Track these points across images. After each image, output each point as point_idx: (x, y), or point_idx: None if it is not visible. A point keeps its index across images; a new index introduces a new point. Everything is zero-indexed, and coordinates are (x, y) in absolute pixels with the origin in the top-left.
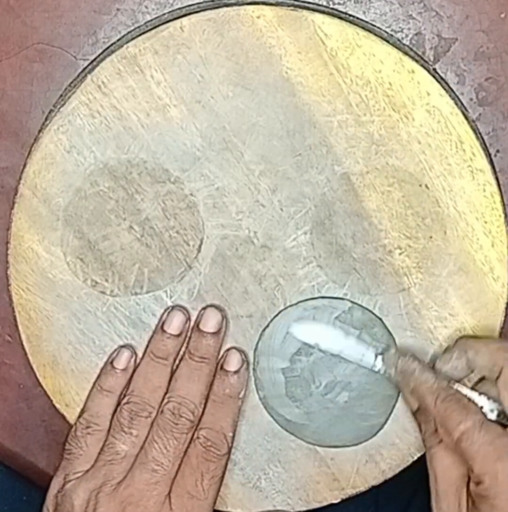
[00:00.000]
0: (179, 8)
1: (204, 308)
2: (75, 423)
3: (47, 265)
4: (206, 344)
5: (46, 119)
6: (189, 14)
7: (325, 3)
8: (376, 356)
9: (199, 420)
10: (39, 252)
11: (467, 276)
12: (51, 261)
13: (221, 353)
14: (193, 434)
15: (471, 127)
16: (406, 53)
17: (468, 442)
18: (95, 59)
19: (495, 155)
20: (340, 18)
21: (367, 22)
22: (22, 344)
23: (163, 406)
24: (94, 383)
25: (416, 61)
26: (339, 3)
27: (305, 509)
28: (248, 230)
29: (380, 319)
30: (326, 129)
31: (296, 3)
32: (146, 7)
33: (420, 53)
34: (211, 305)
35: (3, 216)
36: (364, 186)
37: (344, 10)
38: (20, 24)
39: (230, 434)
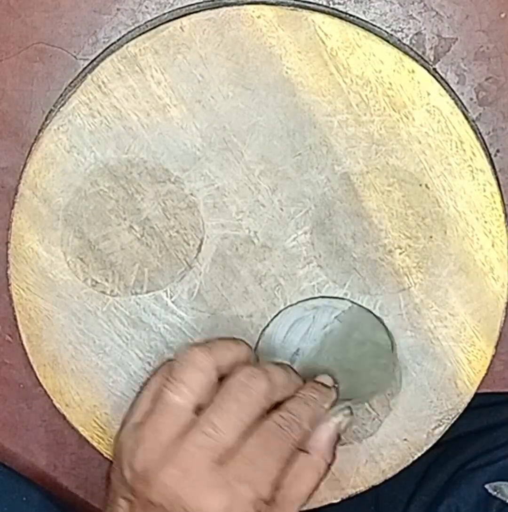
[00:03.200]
0: (179, 8)
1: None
2: None
3: (47, 265)
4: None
5: (46, 119)
6: (189, 14)
7: (325, 3)
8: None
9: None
10: (39, 252)
11: (467, 276)
12: (51, 261)
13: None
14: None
15: (471, 127)
16: (406, 53)
17: None
18: (95, 59)
19: (495, 155)
20: (340, 18)
21: (367, 22)
22: (22, 344)
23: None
24: None
25: (416, 61)
26: (339, 3)
27: (305, 509)
28: (249, 230)
29: (380, 319)
30: (326, 129)
31: (296, 3)
32: (146, 7)
33: (420, 53)
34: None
35: (3, 216)
36: (364, 186)
37: (344, 10)
38: (20, 24)
39: (306, 428)
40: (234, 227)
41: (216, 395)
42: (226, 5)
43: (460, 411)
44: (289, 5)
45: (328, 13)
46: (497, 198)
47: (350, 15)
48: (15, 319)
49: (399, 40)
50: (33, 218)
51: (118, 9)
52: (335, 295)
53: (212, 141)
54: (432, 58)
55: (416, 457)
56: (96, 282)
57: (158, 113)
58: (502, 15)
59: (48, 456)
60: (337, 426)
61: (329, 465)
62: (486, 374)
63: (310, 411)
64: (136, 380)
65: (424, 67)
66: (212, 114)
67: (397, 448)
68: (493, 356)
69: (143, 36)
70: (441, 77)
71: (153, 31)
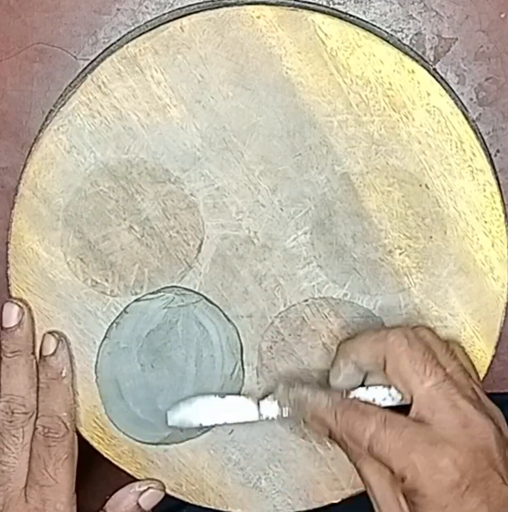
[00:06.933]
0: (179, 8)
1: (1, 306)
2: None
3: (47, 265)
4: (14, 337)
5: (46, 119)
6: (189, 14)
7: (325, 3)
8: (258, 404)
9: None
10: (39, 252)
11: (467, 276)
12: (51, 261)
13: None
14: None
15: (471, 127)
16: (406, 53)
17: (378, 446)
18: (95, 59)
19: (495, 155)
20: (340, 18)
21: (367, 22)
22: None
23: None
24: None
25: (416, 61)
26: (339, 3)
27: (305, 509)
28: (249, 230)
29: (380, 319)
30: (326, 129)
31: (296, 3)
32: (146, 7)
33: (420, 53)
34: (7, 301)
35: (3, 216)
36: (364, 186)
37: (344, 10)
38: (20, 24)
39: (64, 415)
40: (234, 227)
41: None
42: (226, 5)
43: None
44: (289, 5)
45: (328, 13)
46: (497, 198)
47: (350, 15)
48: None
49: (399, 40)
50: (33, 218)
51: (118, 9)
52: (335, 295)
53: (212, 141)
54: (432, 58)
55: None
56: (96, 282)
57: (158, 113)
58: (502, 15)
59: None
60: (137, 494)
61: None
62: (486, 374)
63: (58, 396)
64: None
65: (424, 67)
66: (212, 114)
67: None
68: (493, 356)
69: (143, 36)
70: (441, 77)
71: (153, 31)
